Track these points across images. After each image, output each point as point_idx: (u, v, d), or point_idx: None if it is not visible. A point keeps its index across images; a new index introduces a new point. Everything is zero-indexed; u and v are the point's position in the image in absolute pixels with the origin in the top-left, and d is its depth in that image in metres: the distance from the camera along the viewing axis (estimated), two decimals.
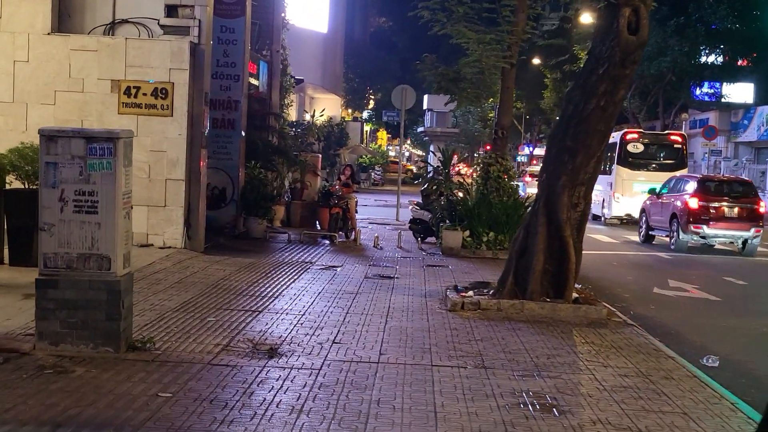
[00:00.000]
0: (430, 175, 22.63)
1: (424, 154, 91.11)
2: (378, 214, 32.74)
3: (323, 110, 36.28)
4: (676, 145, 32.75)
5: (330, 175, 42.17)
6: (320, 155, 26.85)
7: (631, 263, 21.13)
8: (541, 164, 12.79)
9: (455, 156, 25.65)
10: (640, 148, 32.29)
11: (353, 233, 22.00)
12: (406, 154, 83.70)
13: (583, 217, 12.25)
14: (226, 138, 20.74)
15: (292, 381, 7.91)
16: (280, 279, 14.21)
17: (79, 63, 16.61)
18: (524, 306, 11.92)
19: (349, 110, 72.06)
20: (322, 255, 18.41)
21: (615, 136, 31.27)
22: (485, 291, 12.91)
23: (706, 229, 23.24)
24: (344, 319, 11.06)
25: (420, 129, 52.88)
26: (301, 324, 10.57)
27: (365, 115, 74.83)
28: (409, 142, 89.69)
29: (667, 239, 24.96)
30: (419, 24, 21.59)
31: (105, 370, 7.88)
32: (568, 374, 8.72)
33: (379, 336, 10.11)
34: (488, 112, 67.39)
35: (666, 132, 36.27)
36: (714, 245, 24.38)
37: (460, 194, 21.54)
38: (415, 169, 39.91)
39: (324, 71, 52.15)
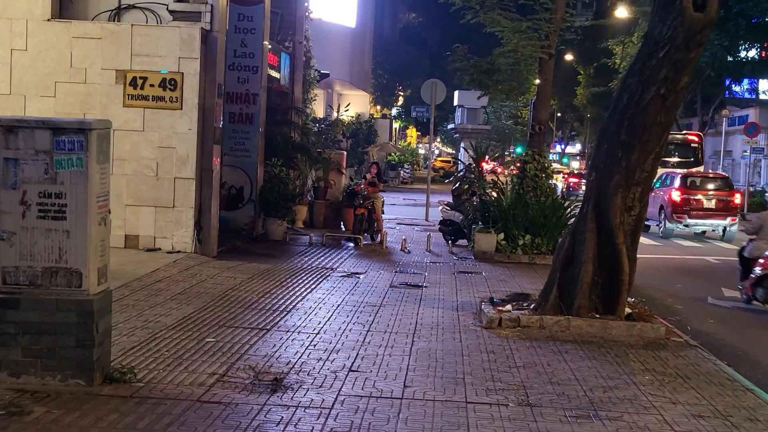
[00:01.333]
0: (461, 173, 21.12)
1: (453, 151, 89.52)
2: (406, 214, 31.30)
3: (348, 105, 34.78)
4: (693, 144, 34.31)
5: (358, 173, 40.78)
6: (345, 152, 25.45)
7: (677, 268, 19.54)
8: (588, 162, 11.19)
9: (488, 153, 24.08)
10: None
11: (379, 235, 20.60)
12: (436, 151, 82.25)
13: (638, 222, 10.73)
14: (243, 134, 19.40)
15: (296, 426, 6.50)
16: (296, 289, 12.81)
17: (81, 52, 15.31)
18: (570, 323, 10.44)
19: (378, 107, 70.65)
20: (345, 260, 17.01)
21: None
22: (525, 305, 11.45)
23: (687, 219, 26.06)
24: (364, 338, 9.64)
25: (450, 126, 51.43)
26: (314, 345, 9.17)
27: (394, 112, 73.32)
28: (438, 139, 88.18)
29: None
30: (450, 17, 20.07)
31: (70, 410, 6.49)
32: (630, 414, 7.24)
33: (404, 361, 8.68)
34: (521, 109, 65.78)
35: (684, 132, 37.55)
36: (705, 233, 27.21)
37: (494, 194, 20.06)
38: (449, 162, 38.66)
39: (352, 67, 50.78)
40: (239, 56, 19.30)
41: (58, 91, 15.31)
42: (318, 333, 9.77)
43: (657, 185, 26.49)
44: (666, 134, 10.64)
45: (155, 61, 15.29)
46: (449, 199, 22.99)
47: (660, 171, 26.83)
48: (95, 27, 15.35)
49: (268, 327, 9.89)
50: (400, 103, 73.14)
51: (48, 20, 15.28)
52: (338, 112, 31.08)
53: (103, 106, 15.32)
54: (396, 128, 77.82)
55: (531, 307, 11.18)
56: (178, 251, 15.28)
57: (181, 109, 15.28)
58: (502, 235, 18.45)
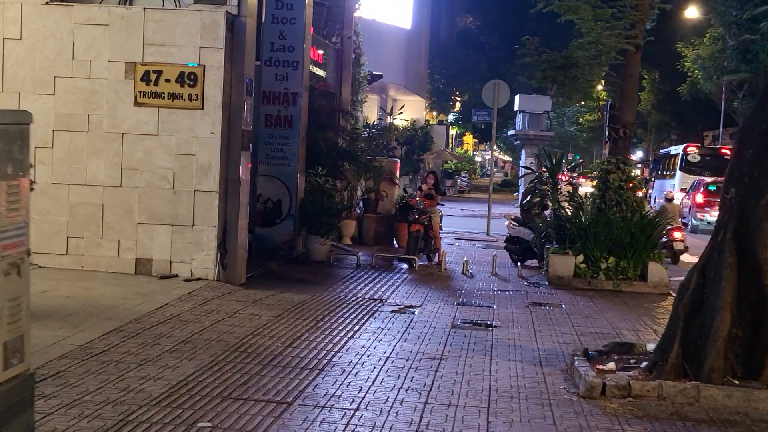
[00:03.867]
0: (532, 184, 18.38)
1: (511, 159, 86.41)
2: (465, 226, 28.59)
3: (402, 107, 32.30)
4: (725, 157, 37.19)
5: (412, 182, 38.20)
6: (398, 160, 22.84)
7: None
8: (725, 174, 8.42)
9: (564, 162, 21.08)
10: (697, 158, 39.09)
11: (437, 255, 17.98)
12: (488, 159, 79.26)
13: None
14: (281, 139, 16.89)
15: None
16: (335, 332, 10.21)
17: (85, 41, 12.94)
18: (700, 392, 7.69)
19: (434, 113, 68.01)
20: (398, 286, 14.41)
21: (678, 149, 41.42)
22: (632, 361, 8.72)
23: (708, 217, 30.20)
24: (420, 417, 6.99)
25: (510, 132, 48.53)
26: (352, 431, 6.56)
27: (451, 118, 70.54)
28: (496, 146, 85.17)
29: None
30: (509, 20, 17.35)
31: None
32: None
33: None
34: (584, 114, 62.75)
35: (718, 146, 42.63)
36: None
37: (570, 209, 17.30)
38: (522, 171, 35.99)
39: (407, 71, 48.23)
40: (277, 50, 16.80)
41: (57, 88, 12.95)
42: (358, 408, 7.14)
43: (690, 190, 34.65)
44: None
45: (172, 52, 12.84)
46: (511, 209, 20.22)
47: (693, 178, 35.89)
48: (102, 12, 12.95)
49: (289, 399, 7.27)
50: (457, 108, 70.40)
51: (46, 3, 12.94)
52: (390, 114, 28.33)
53: (110, 106, 12.92)
54: (453, 135, 75.11)
55: (642, 365, 8.44)
56: (198, 278, 12.80)
57: (203, 108, 12.82)
58: (581, 257, 15.73)
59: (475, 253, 20.80)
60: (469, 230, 27.07)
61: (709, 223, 29.21)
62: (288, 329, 10.09)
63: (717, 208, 27.65)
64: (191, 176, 12.87)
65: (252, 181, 16.68)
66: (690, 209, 32.61)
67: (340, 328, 10.44)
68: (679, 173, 39.15)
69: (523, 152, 46.09)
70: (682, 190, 37.37)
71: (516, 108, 44.67)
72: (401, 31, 46.26)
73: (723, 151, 39.49)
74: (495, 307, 12.87)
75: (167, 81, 12.82)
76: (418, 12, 50.72)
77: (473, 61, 64.54)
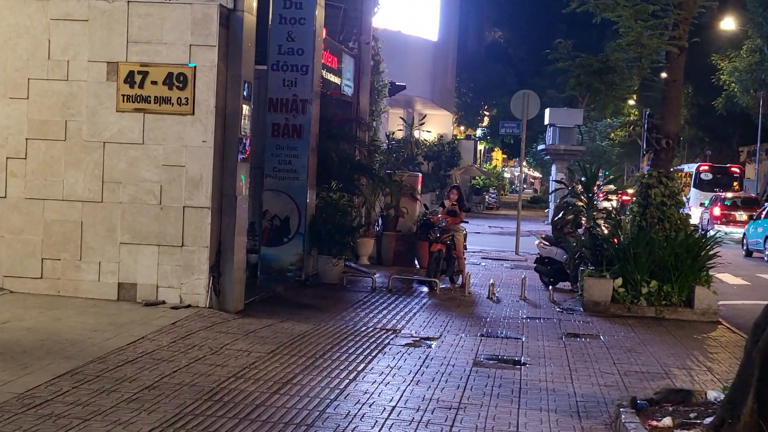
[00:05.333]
0: (565, 201, 16.77)
1: (541, 176, 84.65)
2: (493, 244, 27.07)
3: (424, 117, 30.78)
4: (735, 174, 43.90)
5: (440, 198, 36.65)
6: (420, 174, 21.30)
7: None
8: None
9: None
10: (709, 176, 43.10)
11: (460, 278, 16.44)
12: (517, 174, 77.49)
13: None
14: (289, 150, 15.40)
15: None
16: (334, 372, 8.67)
17: (62, 39, 11.56)
18: None
19: (462, 128, 66.57)
20: (415, 314, 12.88)
21: (692, 167, 45.43)
22: (693, 416, 7.12)
23: (724, 228, 32.78)
24: None
25: (540, 147, 46.93)
26: None
27: (479, 132, 69.07)
28: (525, 162, 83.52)
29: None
30: (538, 33, 15.87)
31: None
32: None
33: None
34: (616, 129, 60.89)
35: (728, 165, 46.53)
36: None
37: (606, 227, 15.71)
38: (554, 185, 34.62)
39: (434, 84, 46.83)
40: (285, 53, 15.34)
41: (31, 91, 11.58)
42: None
43: (707, 204, 38.38)
44: None
45: (159, 51, 11.43)
46: (541, 226, 18.62)
47: (706, 194, 40.26)
48: (81, 6, 11.54)
49: None
50: (485, 123, 68.89)
51: None
52: (412, 126, 26.76)
53: (90, 111, 11.52)
54: (481, 150, 73.62)
55: (705, 421, 6.84)
56: (188, 305, 11.34)
57: (193, 114, 11.38)
58: (619, 281, 14.16)
59: (503, 274, 19.26)
60: (497, 249, 25.55)
61: (725, 233, 30.11)
62: (279, 369, 8.57)
63: (732, 220, 35.36)
64: (180, 190, 11.42)
65: (257, 196, 15.34)
66: (708, 221, 36.18)
67: (342, 367, 8.90)
68: (693, 190, 43.00)
69: (553, 167, 44.47)
70: (701, 205, 40.44)
71: (546, 122, 43.09)
72: (428, 44, 44.89)
73: (732, 169, 44.85)
74: (524, 339, 11.30)
75: (154, 83, 11.40)
76: (445, 24, 49.35)
77: (502, 75, 63.11)
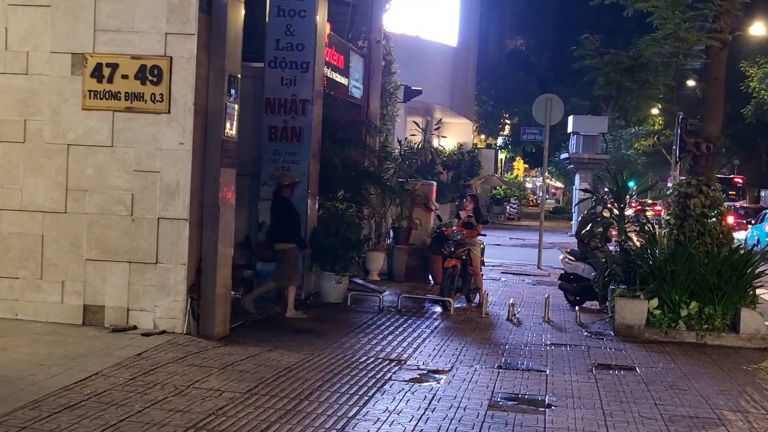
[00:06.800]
0: (593, 212, 15.19)
1: (563, 186, 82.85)
2: (513, 257, 25.54)
3: (440, 121, 29.33)
4: (738, 184, 48.05)
5: (459, 208, 35.12)
6: (434, 183, 19.78)
7: None
8: None
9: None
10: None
11: (477, 296, 14.93)
12: (539, 185, 75.68)
13: None
14: (289, 156, 13.98)
15: None
16: (318, 420, 7.17)
17: (21, 27, 10.20)
18: None
19: (482, 136, 64.98)
20: (424, 340, 11.38)
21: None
22: None
23: (735, 234, 30.48)
24: None
25: (563, 155, 45.31)
26: None
27: (500, 141, 67.38)
28: (546, 171, 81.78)
29: None
30: (560, 38, 14.46)
31: None
32: None
33: None
34: (641, 138, 59.20)
35: (731, 176, 49.74)
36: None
37: (637, 240, 14.14)
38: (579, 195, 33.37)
39: (453, 91, 45.38)
40: (283, 48, 13.93)
41: None
42: None
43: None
44: None
45: (130, 40, 10.03)
46: (563, 238, 17.04)
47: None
48: None
49: None
50: (506, 132, 67.28)
51: None
52: (426, 131, 25.20)
53: (53, 109, 10.13)
54: (502, 159, 72.03)
55: None
56: (162, 331, 9.91)
57: (169, 112, 9.97)
58: (655, 302, 12.60)
59: (524, 291, 17.74)
60: (518, 262, 24.02)
61: (738, 240, 32.84)
62: (252, 417, 7.07)
63: (743, 227, 35.67)
64: (155, 199, 10.00)
65: (253, 206, 13.93)
66: None
67: (330, 412, 7.39)
68: None
69: (576, 177, 42.76)
70: None
71: (569, 130, 41.43)
72: (447, 49, 43.48)
73: (735, 180, 50.48)
74: (548, 372, 9.77)
75: (124, 77, 10.00)
76: (465, 30, 47.91)
77: (523, 82, 61.45)
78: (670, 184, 56.20)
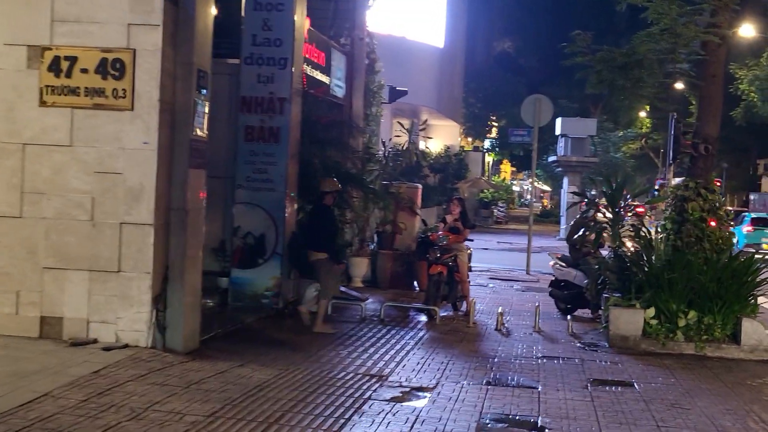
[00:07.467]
0: (585, 216, 14.54)
1: (551, 189, 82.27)
2: (501, 262, 24.86)
3: (425, 121, 28.66)
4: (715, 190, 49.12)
5: (447, 212, 34.39)
6: (420, 186, 19.08)
7: None
8: None
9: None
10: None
11: (464, 304, 14.26)
12: (529, 188, 75.03)
13: None
14: (266, 156, 13.25)
15: None
16: None
17: None
18: None
19: (469, 139, 64.39)
20: (408, 352, 10.69)
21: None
22: None
23: None
24: None
25: (551, 158, 44.71)
26: None
27: (487, 144, 66.74)
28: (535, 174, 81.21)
29: None
30: (549, 40, 13.94)
31: None
32: None
33: None
34: (629, 142, 58.71)
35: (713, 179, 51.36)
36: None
37: (632, 246, 13.46)
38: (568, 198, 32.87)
39: (440, 93, 44.79)
40: (260, 44, 13.21)
41: None
42: None
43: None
44: None
45: (91, 31, 9.31)
46: (552, 242, 16.38)
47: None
48: None
49: None
50: (493, 134, 66.70)
51: None
52: (411, 132, 24.45)
53: (7, 106, 9.42)
54: (489, 162, 71.43)
55: None
56: (125, 345, 9.19)
57: (132, 109, 9.25)
58: (651, 311, 11.98)
59: (513, 298, 17.08)
60: (506, 267, 23.34)
61: None
62: None
63: (726, 229, 36.53)
64: (117, 203, 9.28)
65: (228, 210, 13.24)
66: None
67: None
68: None
69: (565, 180, 42.25)
70: None
71: (557, 132, 40.88)
72: (434, 50, 42.87)
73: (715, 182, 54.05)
74: (540, 389, 9.09)
75: (84, 71, 9.29)
76: (452, 31, 47.30)
77: (511, 84, 60.87)
78: (657, 187, 56.03)
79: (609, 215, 13.66)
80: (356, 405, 7.88)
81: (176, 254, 9.55)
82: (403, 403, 8.12)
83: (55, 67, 9.31)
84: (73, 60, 9.28)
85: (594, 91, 14.83)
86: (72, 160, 9.33)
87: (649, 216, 38.62)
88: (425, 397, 8.44)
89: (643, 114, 61.40)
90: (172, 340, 9.47)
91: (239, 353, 9.78)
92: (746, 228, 35.29)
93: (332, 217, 12.42)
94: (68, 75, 9.29)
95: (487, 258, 24.98)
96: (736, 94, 44.83)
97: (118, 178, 9.27)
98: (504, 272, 22.14)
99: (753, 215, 37.90)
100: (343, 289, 15.49)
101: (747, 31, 44.71)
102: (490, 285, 19.10)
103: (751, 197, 56.42)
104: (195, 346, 9.78)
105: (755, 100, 43.66)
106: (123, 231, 9.27)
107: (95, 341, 9.24)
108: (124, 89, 9.21)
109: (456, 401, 8.32)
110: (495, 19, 69.11)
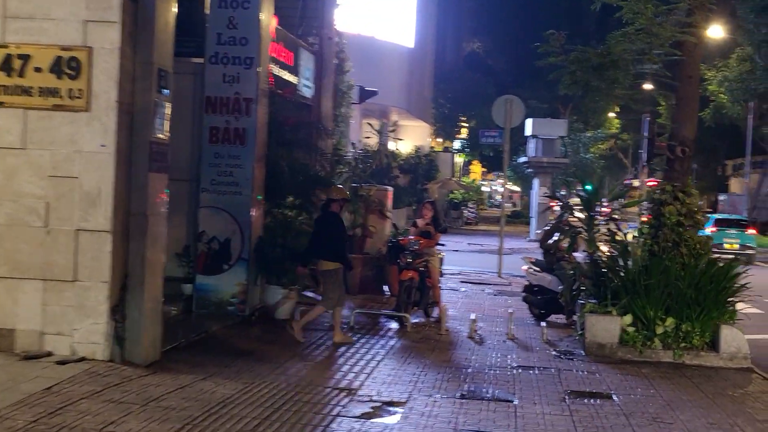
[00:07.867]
0: (560, 220, 14.20)
1: (520, 190, 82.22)
2: (473, 264, 24.52)
3: (395, 123, 28.33)
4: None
5: (415, 215, 33.99)
6: (390, 189, 18.69)
7: None
8: None
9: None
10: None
11: (436, 310, 13.89)
12: (500, 189, 74.83)
13: None
14: (231, 159, 12.81)
15: None
16: None
17: None
18: None
19: (439, 140, 64.12)
20: (378, 362, 10.30)
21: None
22: None
23: None
24: None
25: (522, 159, 44.46)
26: None
27: (457, 145, 66.47)
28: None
29: None
30: (518, 41, 13.53)
31: None
32: None
33: None
34: (600, 142, 58.63)
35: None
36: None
37: (607, 250, 13.15)
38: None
39: (410, 93, 44.46)
40: (225, 43, 12.77)
41: None
42: None
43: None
44: None
45: (45, 28, 8.86)
46: (523, 243, 16.06)
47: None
48: None
49: None
50: (463, 135, 66.45)
51: None
52: (381, 133, 24.07)
53: None
54: (459, 163, 71.14)
55: None
56: (82, 358, 8.74)
57: (89, 110, 8.80)
58: (628, 318, 11.67)
59: (485, 302, 16.73)
60: (478, 270, 22.99)
61: None
62: None
63: None
64: (72, 209, 8.83)
65: (191, 214, 12.79)
66: None
67: None
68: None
69: (535, 181, 42.00)
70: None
71: (528, 133, 40.58)
72: (403, 50, 42.55)
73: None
74: (516, 402, 8.73)
75: (38, 70, 8.84)
76: (422, 31, 47.00)
77: (481, 85, 60.60)
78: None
79: (584, 218, 13.33)
80: (324, 423, 7.49)
81: (136, 261, 9.11)
82: (373, 420, 7.73)
83: (6, 65, 8.86)
84: (26, 58, 8.83)
85: (568, 92, 14.48)
86: (25, 163, 8.88)
87: (617, 215, 38.12)
88: (397, 413, 8.06)
89: (612, 115, 61.43)
90: (132, 353, 9.03)
91: (202, 365, 9.36)
92: (710, 229, 35.43)
93: (342, 225, 11.98)
94: (21, 74, 8.84)
95: (458, 260, 24.64)
96: (705, 95, 44.85)
97: (74, 182, 8.83)
98: (475, 275, 21.80)
99: (716, 216, 37.79)
100: (311, 295, 15.09)
101: (716, 32, 44.79)
102: (462, 289, 18.75)
103: (720, 198, 56.57)
104: (156, 358, 9.35)
105: (725, 101, 43.66)
106: (79, 238, 8.83)
107: (50, 354, 8.79)
108: (80, 89, 8.77)
109: (429, 417, 7.95)
110: (464, 20, 68.98)
